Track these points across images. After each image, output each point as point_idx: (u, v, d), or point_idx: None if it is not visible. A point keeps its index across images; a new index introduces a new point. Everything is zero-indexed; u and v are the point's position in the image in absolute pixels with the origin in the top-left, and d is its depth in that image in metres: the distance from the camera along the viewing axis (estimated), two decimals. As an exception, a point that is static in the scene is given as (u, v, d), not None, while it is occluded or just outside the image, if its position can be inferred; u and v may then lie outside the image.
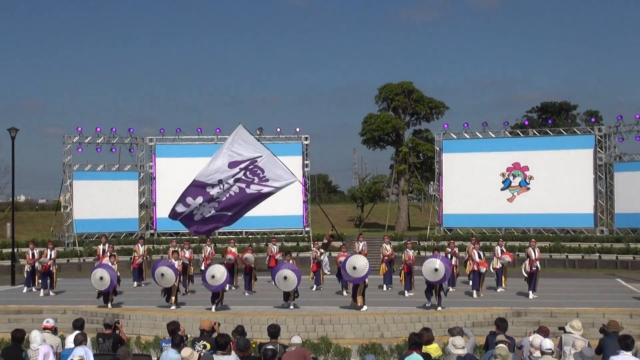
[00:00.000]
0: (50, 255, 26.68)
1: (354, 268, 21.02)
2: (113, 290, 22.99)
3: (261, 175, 21.83)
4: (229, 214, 21.91)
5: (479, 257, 24.86)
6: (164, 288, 22.48)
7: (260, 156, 21.92)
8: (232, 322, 18.68)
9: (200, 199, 21.35)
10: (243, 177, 21.68)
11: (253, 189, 21.84)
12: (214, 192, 21.48)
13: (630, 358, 10.69)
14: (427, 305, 21.52)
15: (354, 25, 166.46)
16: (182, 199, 21.50)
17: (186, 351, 10.77)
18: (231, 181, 21.64)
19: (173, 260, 24.02)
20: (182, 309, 22.11)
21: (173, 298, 22.55)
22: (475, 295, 24.28)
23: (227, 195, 21.69)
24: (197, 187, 21.52)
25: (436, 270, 20.68)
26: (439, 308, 21.31)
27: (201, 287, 26.66)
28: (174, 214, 21.45)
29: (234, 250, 28.37)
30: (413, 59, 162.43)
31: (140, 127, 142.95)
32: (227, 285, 23.34)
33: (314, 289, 26.71)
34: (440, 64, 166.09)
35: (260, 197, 22.22)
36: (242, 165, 21.66)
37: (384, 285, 26.74)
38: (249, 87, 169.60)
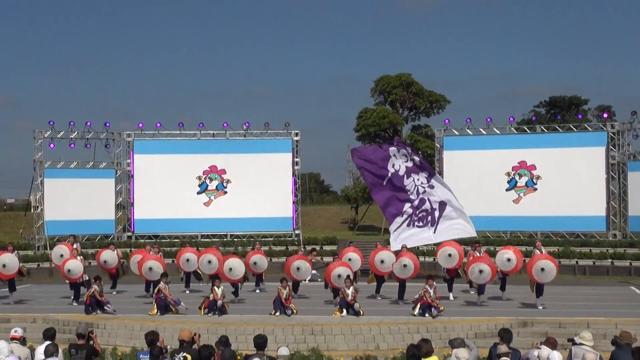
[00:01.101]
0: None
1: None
2: (99, 305, 23.16)
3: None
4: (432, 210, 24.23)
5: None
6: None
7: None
8: (215, 332, 18.69)
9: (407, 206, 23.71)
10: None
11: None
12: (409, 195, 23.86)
13: (645, 371, 10.73)
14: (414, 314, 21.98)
15: (348, 12, 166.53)
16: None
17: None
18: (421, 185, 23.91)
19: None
20: (162, 317, 22.07)
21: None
22: (479, 300, 24.24)
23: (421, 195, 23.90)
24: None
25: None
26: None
27: (182, 295, 26.73)
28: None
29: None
30: (412, 49, 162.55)
31: (117, 121, 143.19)
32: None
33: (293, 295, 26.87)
34: (441, 55, 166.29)
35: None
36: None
37: (377, 296, 26.72)
38: (234, 79, 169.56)
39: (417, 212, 24.02)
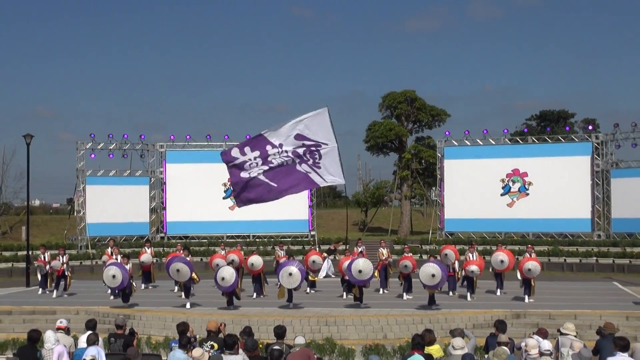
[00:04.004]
0: (62, 260, 26.73)
1: (360, 271, 21.69)
2: (129, 291, 23.13)
3: (317, 161, 22.30)
4: (274, 185, 22.29)
5: (473, 257, 25.01)
6: (182, 285, 22.85)
7: (327, 145, 22.31)
8: (239, 323, 18.74)
9: (257, 153, 22.00)
10: (301, 154, 22.21)
11: (303, 168, 22.29)
12: (271, 152, 21.92)
13: (627, 359, 10.69)
14: (433, 308, 21.64)
15: (359, 36, 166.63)
16: (241, 147, 22.17)
17: (197, 351, 10.83)
18: (290, 151, 22.10)
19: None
20: (192, 310, 22.14)
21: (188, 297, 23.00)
22: (469, 298, 24.16)
23: (280, 161, 22.11)
24: (259, 141, 21.94)
25: (433, 275, 21.03)
26: (434, 307, 21.66)
27: (210, 290, 26.79)
28: (227, 157, 21.98)
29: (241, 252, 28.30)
30: (415, 68, 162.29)
31: (151, 134, 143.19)
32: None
33: (308, 291, 26.72)
34: (442, 73, 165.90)
35: (305, 181, 22.70)
36: (307, 143, 22.10)
37: (381, 290, 26.66)
38: (256, 95, 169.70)
39: (307, 154, 22.84)
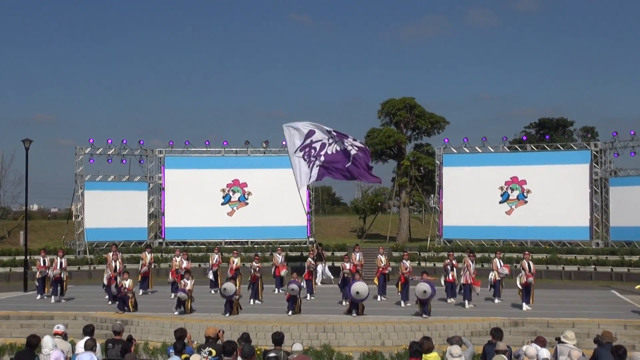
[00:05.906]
0: (61, 263, 26.78)
1: (357, 293, 22.06)
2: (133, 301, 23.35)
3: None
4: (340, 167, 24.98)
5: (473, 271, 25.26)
6: (178, 299, 22.75)
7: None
8: (237, 330, 18.72)
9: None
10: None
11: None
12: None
13: (624, 368, 10.70)
14: (423, 316, 21.63)
15: (357, 42, 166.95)
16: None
17: (195, 357, 10.83)
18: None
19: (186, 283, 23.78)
20: (190, 316, 22.12)
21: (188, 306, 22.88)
22: (467, 305, 24.19)
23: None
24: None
25: (425, 292, 21.60)
26: (424, 316, 21.68)
27: (209, 295, 26.83)
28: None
29: (236, 261, 28.32)
30: (415, 75, 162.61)
31: (149, 139, 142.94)
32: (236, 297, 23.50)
33: (308, 298, 26.68)
34: (442, 80, 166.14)
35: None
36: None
37: (379, 296, 26.70)
38: (254, 101, 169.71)
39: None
